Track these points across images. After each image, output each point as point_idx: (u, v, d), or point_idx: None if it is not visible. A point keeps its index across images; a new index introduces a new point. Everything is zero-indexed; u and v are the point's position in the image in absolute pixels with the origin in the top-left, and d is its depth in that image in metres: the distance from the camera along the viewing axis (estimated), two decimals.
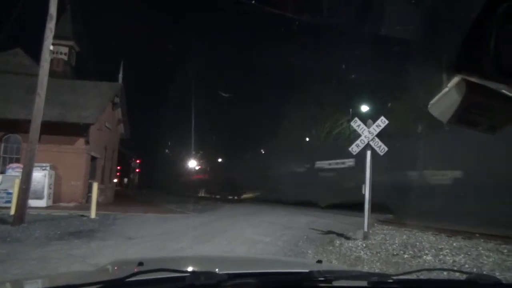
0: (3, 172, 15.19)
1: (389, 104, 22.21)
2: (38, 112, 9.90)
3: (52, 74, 10.79)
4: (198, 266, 1.96)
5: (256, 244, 8.19)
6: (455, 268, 6.10)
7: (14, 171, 14.26)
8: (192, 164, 41.60)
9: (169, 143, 53.48)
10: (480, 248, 7.63)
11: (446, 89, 0.72)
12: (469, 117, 0.72)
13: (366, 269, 6.22)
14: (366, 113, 24.30)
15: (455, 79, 0.69)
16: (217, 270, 1.40)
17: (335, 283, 1.31)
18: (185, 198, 28.58)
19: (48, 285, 1.65)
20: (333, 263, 6.60)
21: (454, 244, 8.17)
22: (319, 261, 2.19)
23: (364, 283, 1.36)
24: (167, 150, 55.45)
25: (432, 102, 0.76)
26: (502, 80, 0.62)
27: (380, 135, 8.59)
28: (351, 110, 26.88)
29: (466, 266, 6.36)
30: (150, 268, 1.20)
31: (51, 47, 10.27)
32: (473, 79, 0.66)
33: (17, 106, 14.54)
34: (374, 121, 8.64)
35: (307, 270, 1.38)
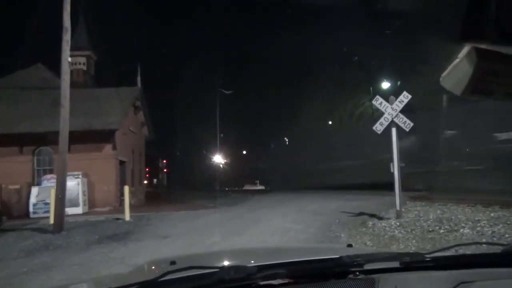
0: (39, 184, 15.82)
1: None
2: (65, 123, 10.21)
3: (73, 84, 11.08)
4: (228, 260, 1.98)
5: (288, 232, 8.22)
6: (495, 239, 5.93)
7: (49, 182, 14.81)
8: (217, 159, 42.09)
9: (193, 140, 54.10)
10: None
11: (456, 60, 0.69)
12: (483, 86, 0.68)
13: (401, 247, 6.14)
14: (388, 90, 23.71)
15: (465, 49, 0.66)
16: (250, 262, 1.41)
17: (366, 267, 1.29)
18: (214, 192, 28.94)
19: None
20: (367, 245, 6.55)
21: (492, 214, 7.93)
22: (350, 245, 2.18)
23: (396, 264, 1.34)
24: (190, 147, 56.03)
25: (443, 75, 0.73)
26: (510, 44, 0.59)
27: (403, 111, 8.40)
28: (371, 88, 26.30)
29: (506, 236, 6.17)
30: (182, 266, 1.22)
31: (70, 59, 10.51)
32: (483, 46, 0.63)
33: (44, 120, 15.02)
34: (396, 97, 8.45)
35: (337, 256, 1.37)
